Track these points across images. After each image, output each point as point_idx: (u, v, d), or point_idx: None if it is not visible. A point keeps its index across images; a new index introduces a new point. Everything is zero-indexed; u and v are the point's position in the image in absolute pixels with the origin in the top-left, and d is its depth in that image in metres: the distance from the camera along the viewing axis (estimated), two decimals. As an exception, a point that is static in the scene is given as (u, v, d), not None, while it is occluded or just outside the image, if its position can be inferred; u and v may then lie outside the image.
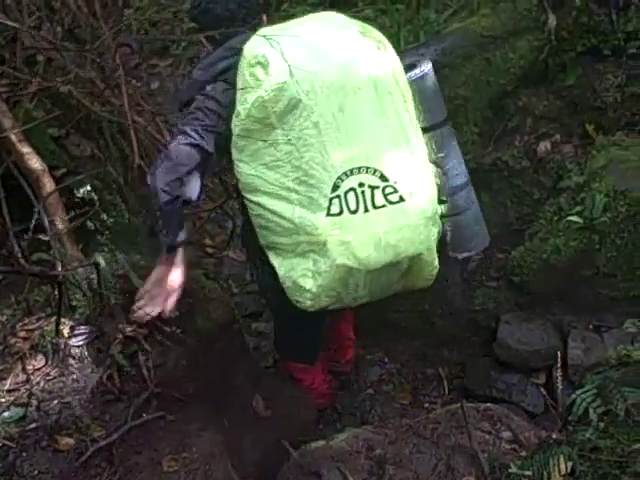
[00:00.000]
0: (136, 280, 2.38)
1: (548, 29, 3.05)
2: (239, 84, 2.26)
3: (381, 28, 3.95)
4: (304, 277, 2.32)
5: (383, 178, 2.24)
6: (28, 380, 2.29)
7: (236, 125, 2.26)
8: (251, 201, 2.34)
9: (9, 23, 2.94)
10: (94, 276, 2.31)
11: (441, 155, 2.55)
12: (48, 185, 2.51)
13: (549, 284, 3.12)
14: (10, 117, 2.59)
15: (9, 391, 2.27)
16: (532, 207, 3.16)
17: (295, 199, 2.25)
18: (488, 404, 2.46)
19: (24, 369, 2.31)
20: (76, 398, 2.27)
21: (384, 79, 2.31)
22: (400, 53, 2.66)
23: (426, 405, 3.37)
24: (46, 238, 2.29)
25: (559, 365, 2.30)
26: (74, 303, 2.41)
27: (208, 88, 2.36)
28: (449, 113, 2.67)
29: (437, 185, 2.47)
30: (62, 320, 2.34)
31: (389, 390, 3.48)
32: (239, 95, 2.25)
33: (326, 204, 2.22)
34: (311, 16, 2.49)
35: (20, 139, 2.55)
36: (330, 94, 2.20)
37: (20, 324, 2.48)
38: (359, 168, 2.22)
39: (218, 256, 4.16)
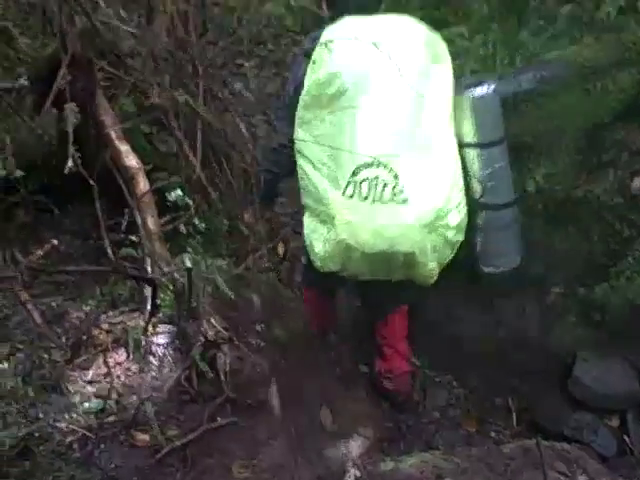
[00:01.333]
0: (221, 284, 2.41)
1: (653, 63, 3.00)
2: (312, 59, 2.62)
3: (475, 47, 3.96)
4: (317, 240, 2.71)
5: (396, 177, 2.50)
6: (109, 373, 2.33)
7: (302, 95, 2.64)
8: (300, 164, 2.71)
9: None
10: (182, 278, 2.34)
11: (487, 172, 2.72)
12: (142, 184, 2.57)
13: (632, 325, 3.03)
14: (111, 114, 2.65)
15: (90, 382, 2.31)
16: (620, 244, 3.08)
17: (325, 172, 2.61)
18: (564, 444, 2.41)
19: (106, 362, 2.36)
20: (154, 395, 2.30)
21: (430, 89, 2.59)
22: (497, 76, 2.86)
23: (492, 435, 3.32)
24: (135, 238, 2.33)
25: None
26: (159, 302, 2.45)
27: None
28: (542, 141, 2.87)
29: (469, 197, 2.75)
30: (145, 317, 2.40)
31: (455, 415, 3.44)
32: (309, 69, 2.62)
33: (344, 185, 2.54)
34: (389, 17, 2.77)
35: (119, 136, 2.61)
36: (374, 93, 2.52)
37: (104, 316, 2.54)
38: (378, 163, 2.49)
39: (292, 263, 4.19)
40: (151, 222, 2.48)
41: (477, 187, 2.75)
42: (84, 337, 2.44)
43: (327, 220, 2.63)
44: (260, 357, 2.52)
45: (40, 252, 1.56)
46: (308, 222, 2.76)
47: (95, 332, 2.46)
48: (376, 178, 2.50)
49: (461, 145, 2.72)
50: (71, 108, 1.83)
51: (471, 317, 3.41)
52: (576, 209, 3.15)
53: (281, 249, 4.15)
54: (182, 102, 2.56)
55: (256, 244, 3.68)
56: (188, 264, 2.29)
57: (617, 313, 3.04)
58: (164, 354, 2.41)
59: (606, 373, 3.10)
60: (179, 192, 2.16)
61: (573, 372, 3.18)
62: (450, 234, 2.65)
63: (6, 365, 2.31)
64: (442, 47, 2.72)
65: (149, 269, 2.33)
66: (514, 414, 3.36)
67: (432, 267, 2.68)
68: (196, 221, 2.23)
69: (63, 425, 2.16)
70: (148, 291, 2.33)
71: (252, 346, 2.50)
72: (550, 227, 3.23)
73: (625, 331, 3.09)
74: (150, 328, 2.39)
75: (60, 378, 2.28)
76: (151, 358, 2.39)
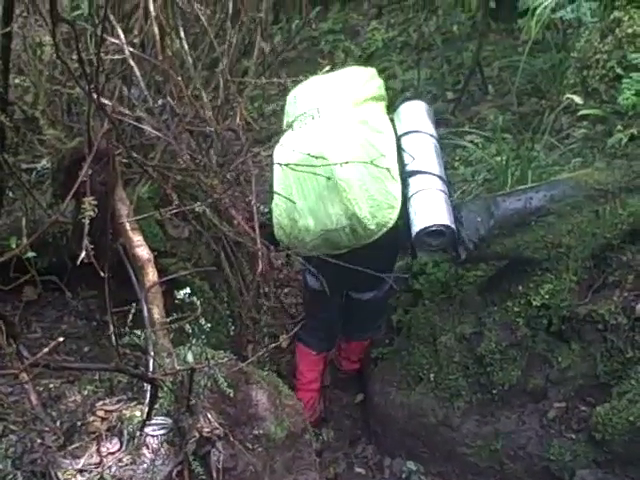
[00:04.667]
0: (222, 382, 2.40)
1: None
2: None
3: (488, 157, 4.06)
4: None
5: None
6: (101, 462, 2.30)
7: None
8: None
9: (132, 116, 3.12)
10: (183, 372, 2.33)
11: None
12: (152, 274, 2.59)
13: (632, 447, 2.99)
14: (127, 205, 2.71)
15: (81, 471, 2.28)
16: (623, 365, 3.07)
17: None
18: None
19: (99, 451, 2.34)
20: (144, 489, 2.27)
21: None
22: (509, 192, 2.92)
23: None
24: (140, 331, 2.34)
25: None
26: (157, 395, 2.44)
27: None
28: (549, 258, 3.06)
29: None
30: (142, 408, 2.38)
31: (449, 526, 3.37)
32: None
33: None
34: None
35: (133, 227, 2.66)
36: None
37: (100, 403, 2.52)
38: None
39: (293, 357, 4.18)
40: (157, 313, 2.49)
41: (406, 158, 3.17)
42: (79, 423, 2.42)
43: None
44: (254, 455, 2.49)
45: (46, 349, 1.57)
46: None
47: (90, 419, 2.45)
48: (308, 115, 2.85)
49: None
50: (89, 202, 1.87)
51: (469, 425, 3.38)
52: (580, 326, 3.16)
53: (283, 341, 4.15)
54: (201, 212, 2.59)
55: (258, 334, 3.70)
56: (191, 360, 2.29)
57: (618, 434, 3.01)
58: (158, 447, 2.37)
59: (604, 495, 3.04)
60: (187, 290, 2.18)
61: (571, 490, 3.12)
62: (369, 145, 3.01)
63: (-3, 446, 2.30)
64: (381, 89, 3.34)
65: (151, 364, 2.33)
66: (508, 529, 3.28)
67: (343, 177, 2.92)
68: (202, 321, 2.24)
69: (50, 514, 2.13)
70: (148, 386, 2.32)
71: (247, 444, 2.48)
72: (553, 342, 3.24)
73: (626, 453, 3.04)
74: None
75: (51, 464, 2.25)
76: (144, 450, 2.35)
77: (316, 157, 2.86)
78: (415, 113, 3.40)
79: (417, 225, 3.01)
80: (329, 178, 2.93)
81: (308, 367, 3.80)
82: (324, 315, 3.67)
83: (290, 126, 2.93)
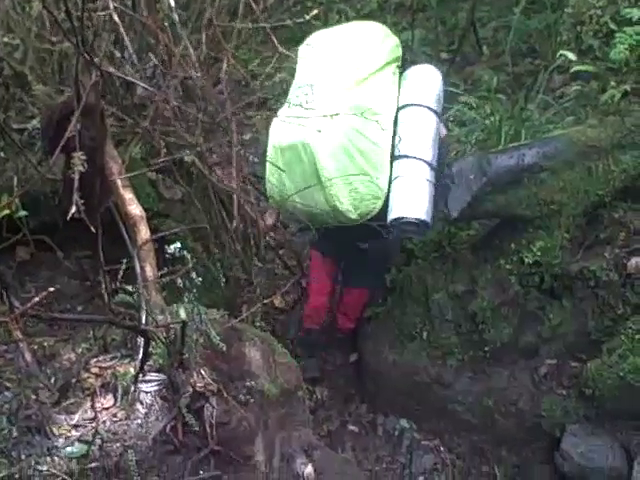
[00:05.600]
0: (214, 337, 2.41)
1: (654, 147, 3.06)
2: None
3: (481, 117, 4.03)
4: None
5: None
6: (95, 418, 2.32)
7: None
8: None
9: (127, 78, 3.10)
10: (174, 327, 2.34)
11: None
12: (144, 232, 2.60)
13: (622, 402, 3.03)
14: (119, 162, 2.69)
15: (75, 426, 2.30)
16: (614, 321, 3.09)
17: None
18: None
19: (93, 406, 2.35)
20: (138, 444, 2.29)
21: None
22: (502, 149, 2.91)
23: (477, 503, 3.30)
24: (132, 286, 2.35)
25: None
26: (150, 349, 2.45)
27: None
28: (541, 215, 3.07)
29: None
30: (135, 364, 2.40)
31: (441, 480, 3.42)
32: None
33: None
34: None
35: (124, 184, 2.65)
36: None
37: (94, 360, 2.54)
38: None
39: (287, 315, 4.20)
40: (149, 270, 2.50)
41: (397, 139, 3.15)
42: (73, 380, 2.43)
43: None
44: (247, 411, 2.51)
45: (36, 299, 1.57)
46: None
47: (84, 375, 2.46)
48: (304, 92, 3.00)
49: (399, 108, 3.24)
50: (79, 157, 1.86)
51: (461, 383, 3.40)
52: (572, 284, 3.18)
53: (279, 301, 4.17)
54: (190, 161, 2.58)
55: (252, 295, 3.71)
56: (183, 316, 2.30)
57: (608, 390, 3.04)
58: (151, 402, 2.39)
59: (594, 449, 3.08)
60: (178, 245, 2.18)
61: (561, 445, 3.17)
62: (355, 150, 3.04)
63: (-8, 403, 2.31)
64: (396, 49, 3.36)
65: (143, 318, 2.34)
66: (500, 483, 3.32)
67: (326, 168, 3.00)
68: (193, 275, 2.24)
69: (44, 468, 2.15)
70: (141, 340, 2.33)
71: (240, 399, 2.49)
72: (545, 300, 3.25)
73: (616, 408, 3.09)
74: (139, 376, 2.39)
75: (45, 420, 2.27)
76: (138, 405, 2.37)
77: (303, 145, 3.01)
78: (420, 82, 3.31)
79: (393, 212, 3.07)
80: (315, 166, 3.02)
81: (317, 269, 3.89)
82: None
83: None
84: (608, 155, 3.05)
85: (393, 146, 3.16)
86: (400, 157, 3.12)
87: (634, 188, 3.12)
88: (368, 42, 3.28)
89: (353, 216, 3.06)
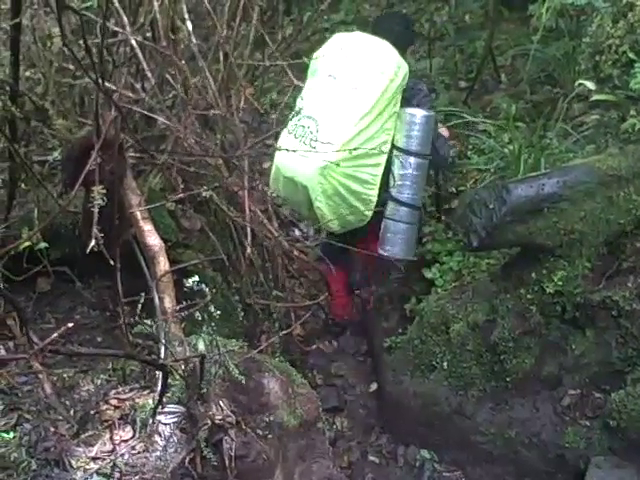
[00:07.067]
0: (233, 369, 2.41)
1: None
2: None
3: (500, 145, 4.03)
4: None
5: (317, 130, 3.38)
6: (113, 450, 2.32)
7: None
8: None
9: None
10: (194, 360, 2.34)
11: (401, 172, 3.54)
12: (163, 263, 2.61)
13: (647, 434, 2.98)
14: (138, 194, 2.72)
15: (94, 459, 2.30)
16: (638, 351, 3.05)
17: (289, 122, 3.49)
18: None
19: (111, 439, 2.35)
20: (156, 476, 2.28)
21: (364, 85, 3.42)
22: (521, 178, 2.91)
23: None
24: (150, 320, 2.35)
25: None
26: (169, 380, 2.45)
27: None
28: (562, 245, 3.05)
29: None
30: (154, 396, 2.40)
31: (464, 513, 3.37)
32: None
33: (290, 127, 3.51)
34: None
35: (144, 216, 2.67)
36: (324, 79, 3.53)
37: (113, 392, 2.54)
38: (311, 117, 3.41)
39: (307, 346, 4.19)
40: (168, 302, 2.51)
41: (392, 180, 3.54)
42: (92, 412, 2.43)
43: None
44: (266, 443, 2.49)
45: (55, 335, 1.58)
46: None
47: (103, 407, 2.46)
48: (308, 127, 3.40)
49: (394, 146, 3.52)
50: (98, 191, 1.88)
51: (483, 413, 3.36)
52: (594, 313, 3.13)
53: (299, 330, 4.15)
54: (207, 197, 2.61)
55: (270, 325, 3.70)
56: (201, 348, 2.30)
57: (633, 421, 2.99)
58: (170, 435, 2.39)
59: (619, 482, 3.02)
60: (196, 278, 2.19)
61: (586, 478, 3.09)
62: (348, 193, 3.41)
63: (12, 435, 2.32)
64: (394, 64, 3.46)
65: (162, 351, 2.34)
66: (523, 516, 3.27)
67: (319, 207, 3.42)
68: (212, 308, 2.24)
69: (63, 501, 2.14)
70: (160, 372, 2.33)
71: (259, 432, 2.48)
72: (567, 329, 3.21)
73: (641, 440, 3.02)
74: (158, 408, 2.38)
75: (64, 452, 2.27)
76: (157, 437, 2.37)
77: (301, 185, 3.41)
78: (413, 129, 3.51)
79: (386, 251, 3.65)
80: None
81: (332, 281, 4.12)
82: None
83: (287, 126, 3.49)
84: (629, 184, 3.02)
85: (385, 183, 3.53)
86: (396, 201, 3.57)
87: (657, 217, 3.10)
88: (381, 72, 3.42)
89: (337, 227, 3.58)
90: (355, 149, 3.23)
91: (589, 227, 3.03)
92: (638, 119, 3.37)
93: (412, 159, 3.51)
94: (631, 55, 3.62)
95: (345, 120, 3.35)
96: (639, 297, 3.03)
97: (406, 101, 3.53)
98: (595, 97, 3.72)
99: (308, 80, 3.63)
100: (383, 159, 3.47)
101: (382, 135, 3.45)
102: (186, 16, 3.82)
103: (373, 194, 3.48)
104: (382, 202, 3.56)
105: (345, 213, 3.48)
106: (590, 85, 3.74)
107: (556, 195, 3.01)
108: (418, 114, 3.48)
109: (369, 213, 3.51)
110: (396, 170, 3.53)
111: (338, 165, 3.27)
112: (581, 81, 3.79)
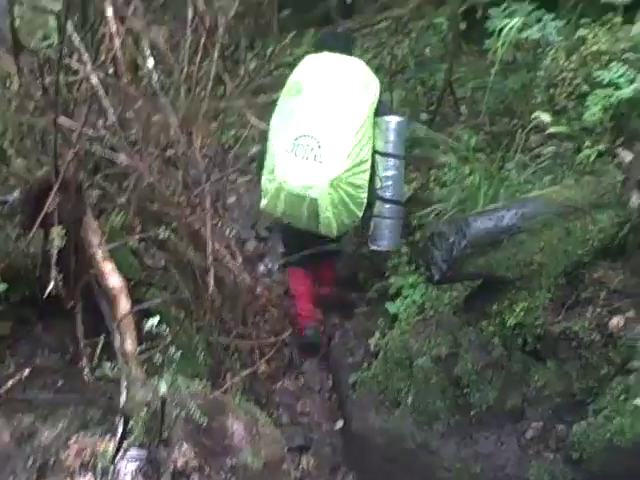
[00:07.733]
0: (195, 411, 2.39)
1: (630, 208, 3.09)
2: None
3: (461, 177, 4.08)
4: (266, 184, 3.97)
5: (319, 147, 3.76)
6: (73, 499, 2.28)
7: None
8: (268, 133, 4.07)
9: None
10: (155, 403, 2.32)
11: (384, 174, 3.94)
12: (124, 304, 2.58)
13: (610, 465, 2.98)
14: (98, 233, 2.69)
15: (55, 508, 2.26)
16: (599, 382, 3.06)
17: (279, 137, 3.94)
18: None
19: (72, 487, 2.31)
20: (117, 525, 2.25)
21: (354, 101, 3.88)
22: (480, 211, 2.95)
23: None
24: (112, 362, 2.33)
25: None
26: (130, 424, 2.41)
27: None
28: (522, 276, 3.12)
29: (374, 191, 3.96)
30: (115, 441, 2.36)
31: None
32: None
33: (287, 145, 3.83)
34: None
35: (105, 256, 2.64)
36: (312, 95, 3.91)
37: (74, 437, 2.49)
38: (310, 135, 3.78)
39: (273, 383, 4.16)
40: (129, 344, 2.48)
41: (378, 182, 3.93)
42: (52, 459, 2.39)
43: (274, 169, 3.83)
44: (230, 486, 2.47)
45: (13, 381, 1.55)
46: (265, 174, 3.95)
47: (64, 454, 2.42)
48: (308, 145, 3.73)
49: (374, 151, 3.91)
50: (57, 232, 1.86)
51: (449, 448, 3.35)
52: (555, 344, 3.16)
53: (264, 368, 4.12)
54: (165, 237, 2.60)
55: (234, 363, 3.68)
56: (163, 390, 2.27)
57: (595, 452, 2.99)
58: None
59: (584, 515, 3.02)
60: (155, 321, 2.17)
61: (551, 511, 3.10)
62: (348, 199, 3.77)
63: (-31, 486, 2.27)
64: (372, 78, 4.02)
65: (123, 394, 2.31)
66: None
67: (328, 217, 3.76)
68: (173, 349, 2.23)
69: None
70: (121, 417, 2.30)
71: (223, 475, 2.46)
72: (529, 361, 3.24)
73: (604, 472, 3.02)
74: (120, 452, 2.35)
75: (24, 502, 2.23)
76: (118, 484, 2.33)
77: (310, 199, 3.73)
78: (390, 133, 3.95)
79: (378, 245, 4.07)
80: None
81: (297, 282, 4.53)
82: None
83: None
84: (586, 215, 3.08)
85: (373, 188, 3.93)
86: (384, 200, 3.97)
87: (612, 247, 3.15)
88: (364, 86, 3.93)
89: (334, 234, 3.90)
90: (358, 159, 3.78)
91: (548, 258, 3.08)
92: (592, 150, 3.43)
93: (392, 161, 3.94)
94: (585, 87, 3.69)
95: (344, 134, 3.76)
96: (598, 327, 3.06)
97: (376, 110, 3.93)
98: (551, 129, 3.78)
99: (289, 100, 3.95)
100: (369, 164, 3.87)
101: (369, 143, 3.87)
102: (147, 52, 3.84)
103: (365, 197, 3.86)
104: (370, 203, 3.93)
105: (344, 217, 3.84)
106: (545, 117, 3.81)
107: (515, 227, 3.06)
108: (393, 120, 3.94)
109: (360, 214, 3.90)
110: (380, 172, 3.93)
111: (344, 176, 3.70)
112: (536, 113, 3.86)
